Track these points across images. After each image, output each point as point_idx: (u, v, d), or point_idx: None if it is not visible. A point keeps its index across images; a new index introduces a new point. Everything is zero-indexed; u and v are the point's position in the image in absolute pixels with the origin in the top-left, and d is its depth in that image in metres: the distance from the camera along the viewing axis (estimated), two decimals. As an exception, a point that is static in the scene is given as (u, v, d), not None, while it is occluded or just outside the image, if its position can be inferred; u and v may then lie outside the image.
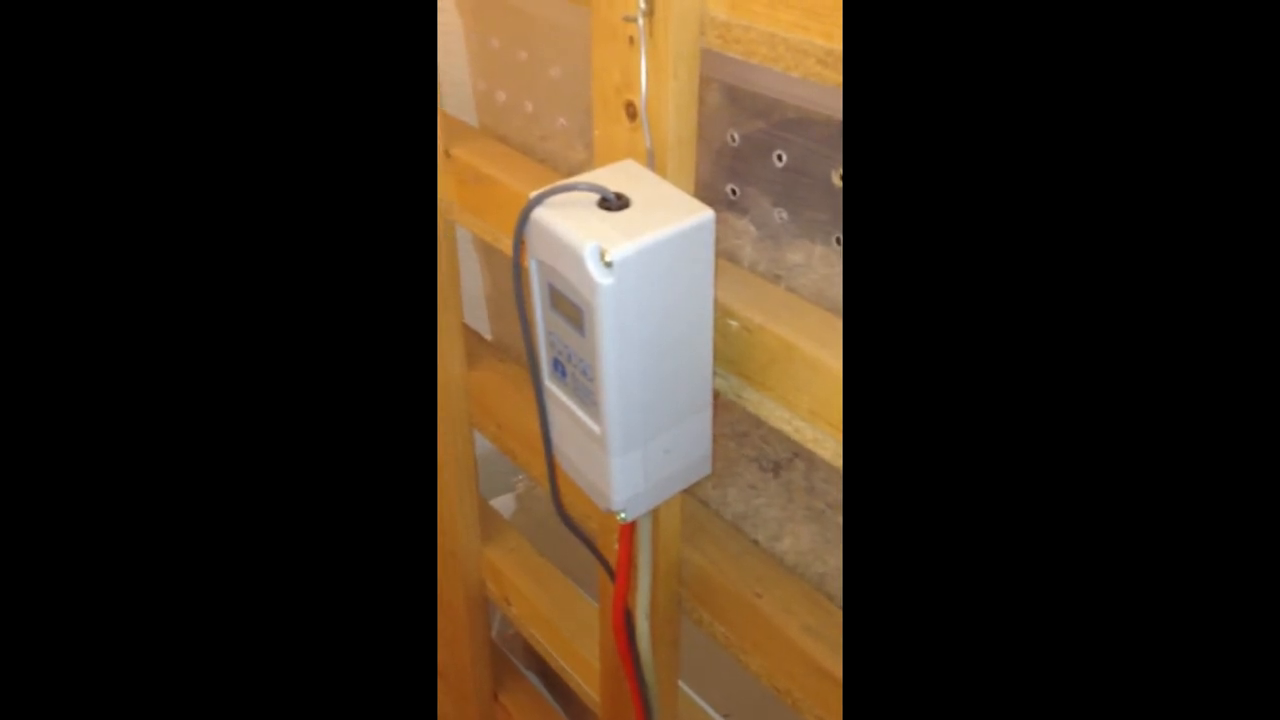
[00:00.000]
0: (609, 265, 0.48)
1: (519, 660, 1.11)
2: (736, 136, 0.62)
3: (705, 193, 0.64)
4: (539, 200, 0.52)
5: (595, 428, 0.54)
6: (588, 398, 0.54)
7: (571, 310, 0.52)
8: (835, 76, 0.47)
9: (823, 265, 0.59)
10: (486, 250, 0.94)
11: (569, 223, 0.50)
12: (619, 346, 0.50)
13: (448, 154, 0.75)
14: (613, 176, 0.54)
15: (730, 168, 0.64)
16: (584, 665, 0.85)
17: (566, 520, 0.66)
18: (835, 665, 0.63)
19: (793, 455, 0.68)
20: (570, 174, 0.63)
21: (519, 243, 0.53)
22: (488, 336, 0.97)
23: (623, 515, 0.57)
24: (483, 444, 0.90)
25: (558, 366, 0.56)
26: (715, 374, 0.58)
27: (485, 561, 0.96)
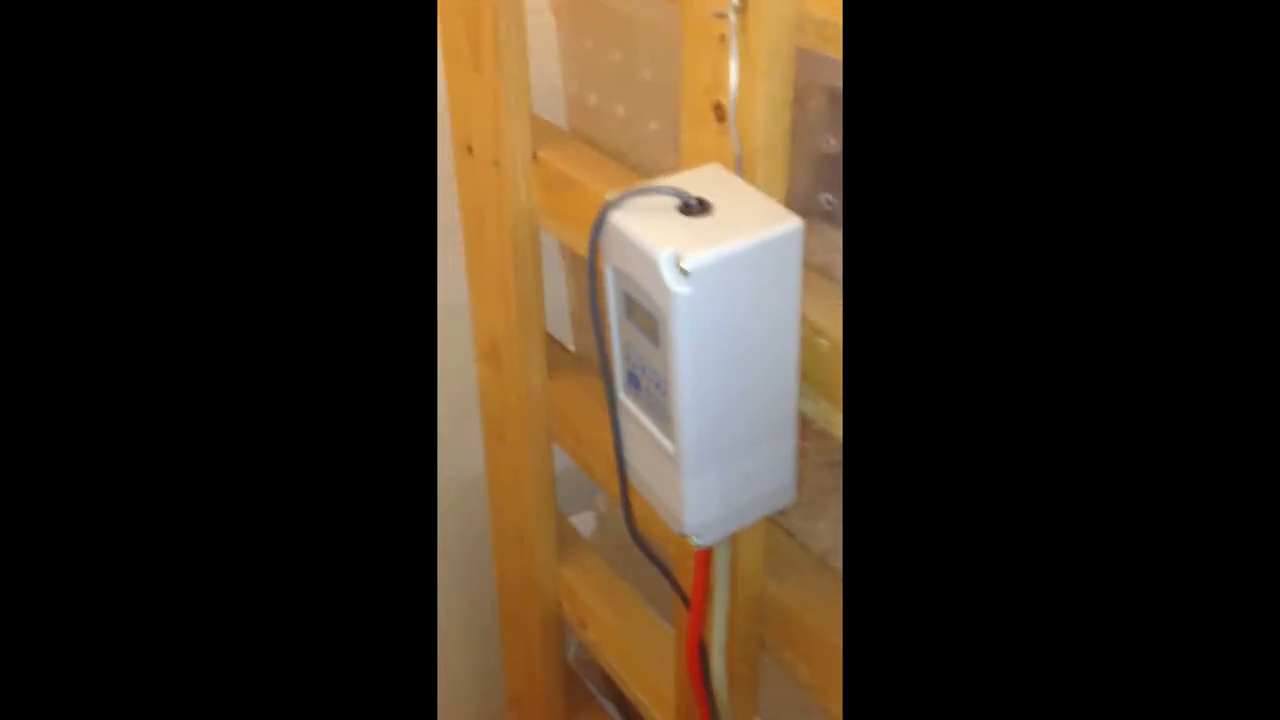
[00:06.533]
0: (685, 274, 0.45)
1: (595, 686, 1.08)
2: (836, 144, 0.59)
3: (799, 202, 0.61)
4: (616, 203, 0.49)
5: (669, 445, 0.51)
6: (661, 413, 0.51)
7: (646, 320, 0.49)
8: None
9: (924, 283, 0.55)
10: (572, 258, 0.92)
11: (645, 228, 0.47)
12: (694, 360, 0.47)
13: (534, 157, 0.72)
14: (696, 180, 0.51)
15: (828, 178, 0.60)
16: (658, 698, 0.82)
17: (638, 540, 0.62)
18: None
19: (886, 487, 0.64)
20: (659, 180, 0.60)
21: (594, 247, 0.51)
22: (571, 348, 0.94)
23: (696, 540, 0.54)
24: (566, 459, 0.88)
25: (632, 379, 0.53)
26: (802, 396, 0.55)
27: (561, 581, 0.93)
